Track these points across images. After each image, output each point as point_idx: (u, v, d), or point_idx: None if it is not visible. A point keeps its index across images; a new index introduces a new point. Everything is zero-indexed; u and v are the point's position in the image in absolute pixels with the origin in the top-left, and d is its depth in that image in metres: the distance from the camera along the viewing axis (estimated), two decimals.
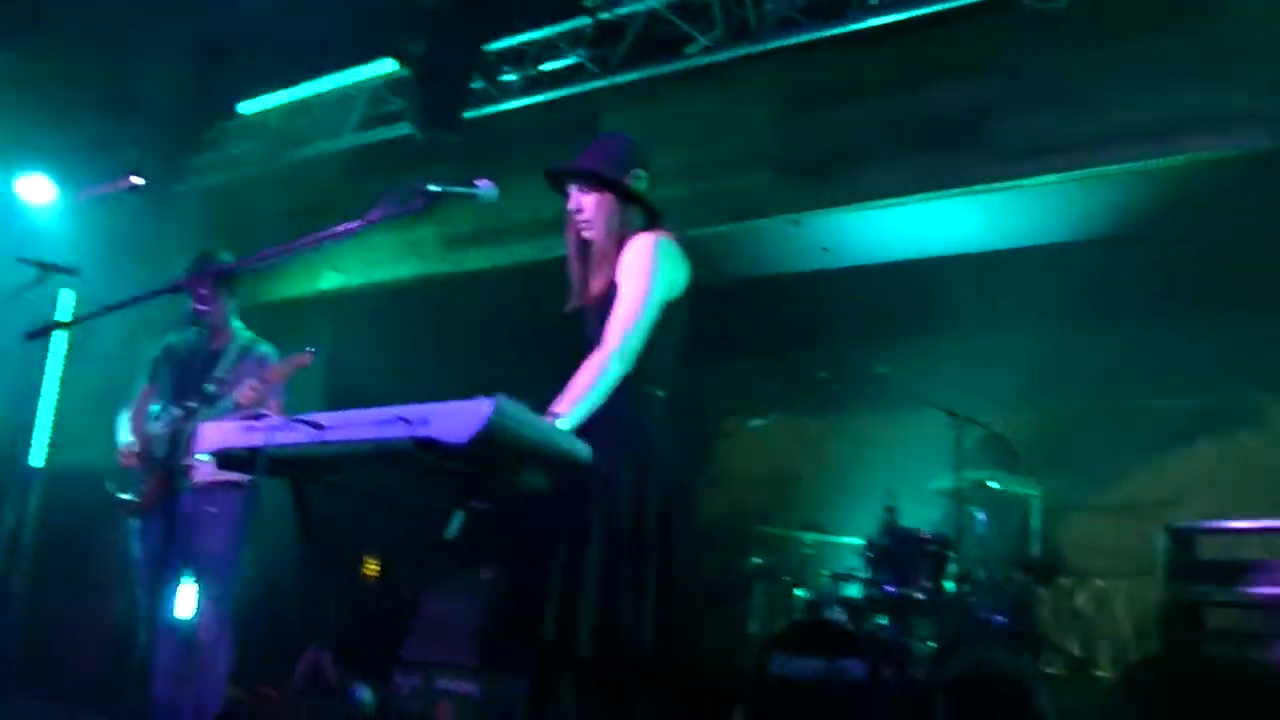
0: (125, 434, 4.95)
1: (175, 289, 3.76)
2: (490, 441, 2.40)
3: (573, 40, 6.58)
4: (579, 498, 2.91)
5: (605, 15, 6.35)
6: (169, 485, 4.64)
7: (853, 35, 5.81)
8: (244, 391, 4.54)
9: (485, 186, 3.12)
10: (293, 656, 6.80)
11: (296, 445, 2.68)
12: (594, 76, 6.55)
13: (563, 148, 3.51)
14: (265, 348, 5.04)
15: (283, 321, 6.70)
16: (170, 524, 4.28)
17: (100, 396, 5.85)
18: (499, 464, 2.57)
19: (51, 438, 7.75)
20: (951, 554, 5.64)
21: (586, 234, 3.22)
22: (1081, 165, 5.68)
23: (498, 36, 6.74)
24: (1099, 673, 6.04)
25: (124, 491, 4.84)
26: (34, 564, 7.35)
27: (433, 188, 3.05)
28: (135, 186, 7.66)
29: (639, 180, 3.24)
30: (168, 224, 7.98)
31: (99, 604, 6.56)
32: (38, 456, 7.74)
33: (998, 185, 5.90)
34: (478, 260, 7.68)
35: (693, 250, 3.21)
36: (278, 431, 2.72)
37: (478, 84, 6.81)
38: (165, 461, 4.69)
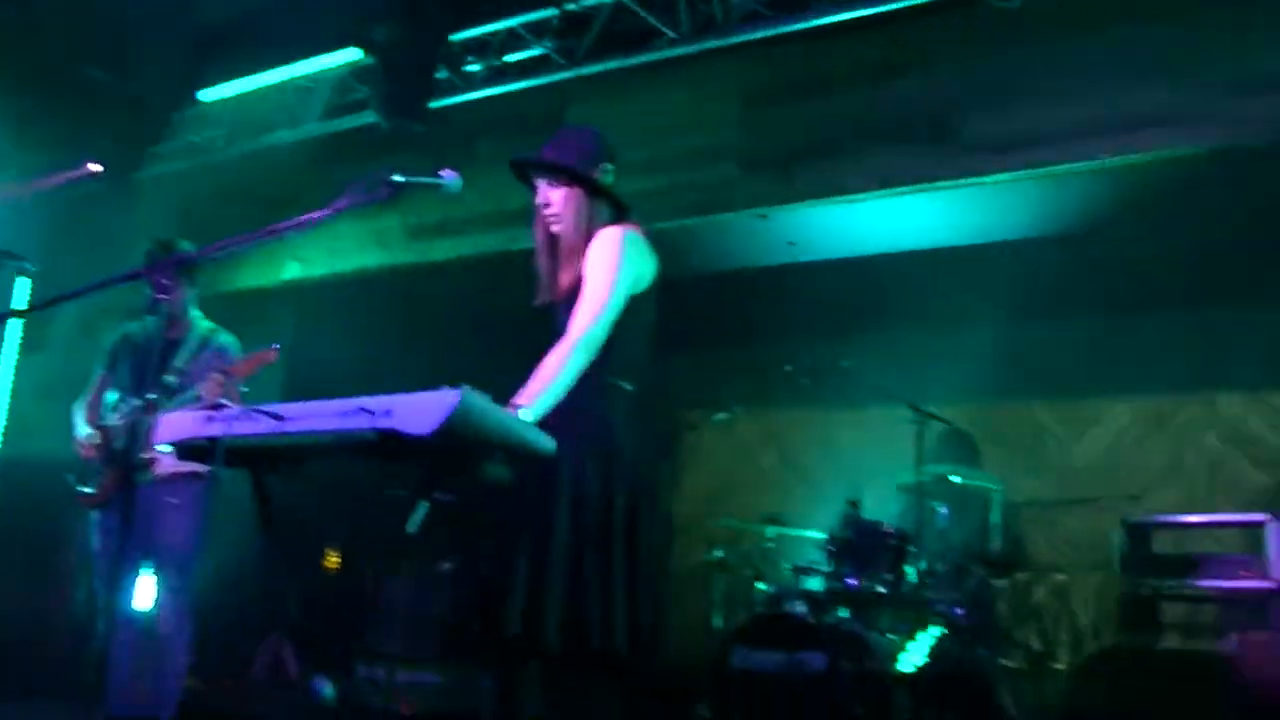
0: (82, 424, 4.89)
1: (134, 277, 3.71)
2: (454, 433, 2.38)
3: (538, 31, 6.55)
4: (545, 490, 2.90)
5: (571, 7, 6.33)
6: (128, 477, 4.59)
7: (819, 30, 5.82)
8: (208, 386, 4.49)
9: (450, 177, 3.10)
10: (253, 648, 6.77)
11: (256, 436, 2.66)
12: (560, 68, 6.53)
13: (528, 139, 3.50)
14: (225, 337, 5.00)
15: (244, 311, 6.65)
16: (129, 516, 4.24)
17: (57, 385, 5.78)
18: (462, 456, 2.56)
19: (6, 426, 7.64)
20: (912, 548, 5.68)
21: (554, 228, 3.21)
22: (1044, 163, 5.73)
23: (463, 26, 6.70)
24: (1057, 665, 6.11)
25: (83, 483, 4.79)
26: None
27: (397, 178, 3.02)
28: (94, 174, 7.56)
29: (607, 174, 3.24)
30: (127, 212, 7.89)
31: (57, 596, 6.49)
32: None
33: (961, 182, 5.93)
34: (442, 251, 7.64)
35: (659, 243, 3.21)
36: (237, 422, 2.70)
37: (443, 74, 6.78)
38: (124, 453, 4.63)
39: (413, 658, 6.35)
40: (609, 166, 3.25)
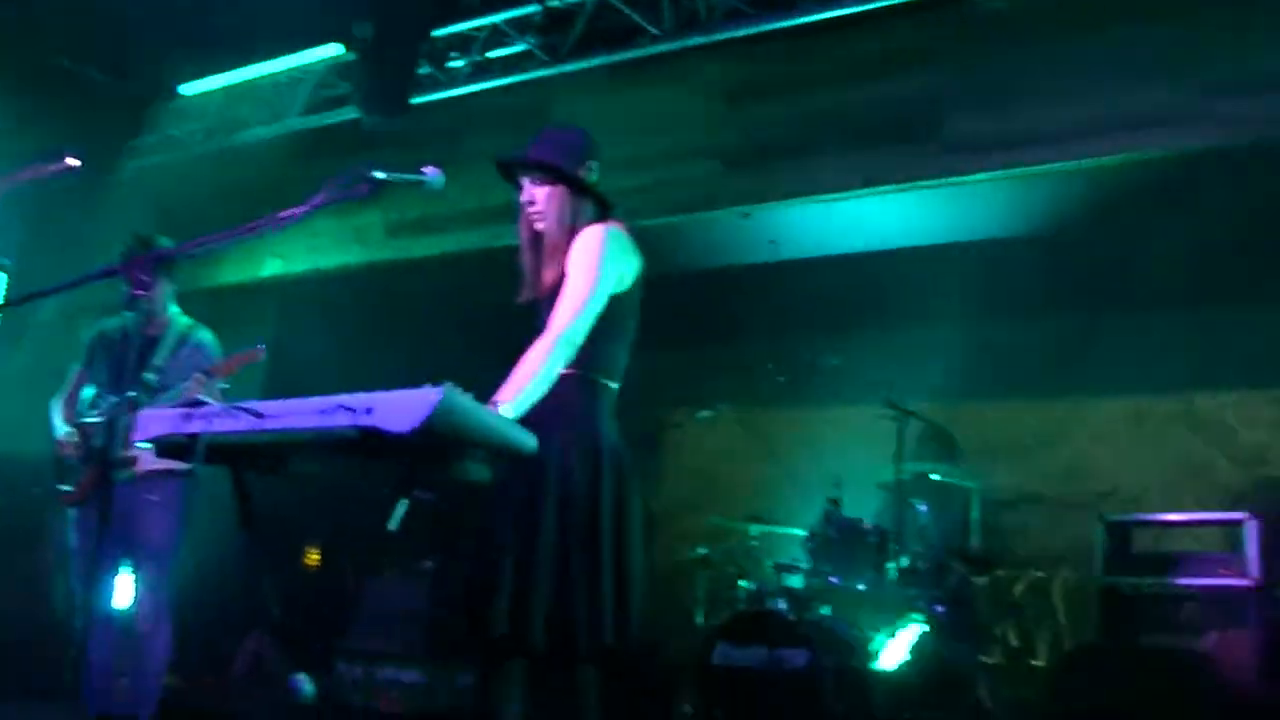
0: (60, 421, 4.86)
1: (111, 273, 3.68)
2: (435, 431, 2.37)
3: (522, 28, 6.54)
4: (532, 489, 2.90)
5: (555, 3, 6.32)
6: (106, 475, 4.56)
7: (802, 28, 5.83)
8: (192, 386, 4.47)
9: (432, 174, 3.08)
10: (234, 646, 6.74)
11: (236, 433, 2.64)
12: (543, 65, 6.52)
13: (511, 136, 3.49)
14: (203, 334, 4.97)
15: (223, 308, 6.61)
16: (107, 514, 4.21)
17: (34, 381, 5.73)
18: (444, 454, 2.55)
19: None
20: (893, 545, 5.70)
21: (539, 226, 3.21)
22: (1024, 163, 5.76)
23: (446, 22, 6.68)
24: (1036, 662, 6.14)
25: (62, 481, 4.75)
26: None
27: (378, 174, 3.01)
28: (71, 168, 7.51)
29: (591, 173, 3.24)
30: (105, 207, 7.84)
31: (35, 595, 6.44)
32: None
33: (942, 181, 5.95)
34: (423, 248, 7.62)
35: (642, 241, 3.21)
36: (217, 419, 2.68)
37: (425, 70, 6.75)
38: (102, 451, 4.60)
39: (394, 656, 6.33)
40: (594, 165, 3.25)
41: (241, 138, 7.64)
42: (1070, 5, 5.68)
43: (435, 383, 2.40)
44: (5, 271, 6.37)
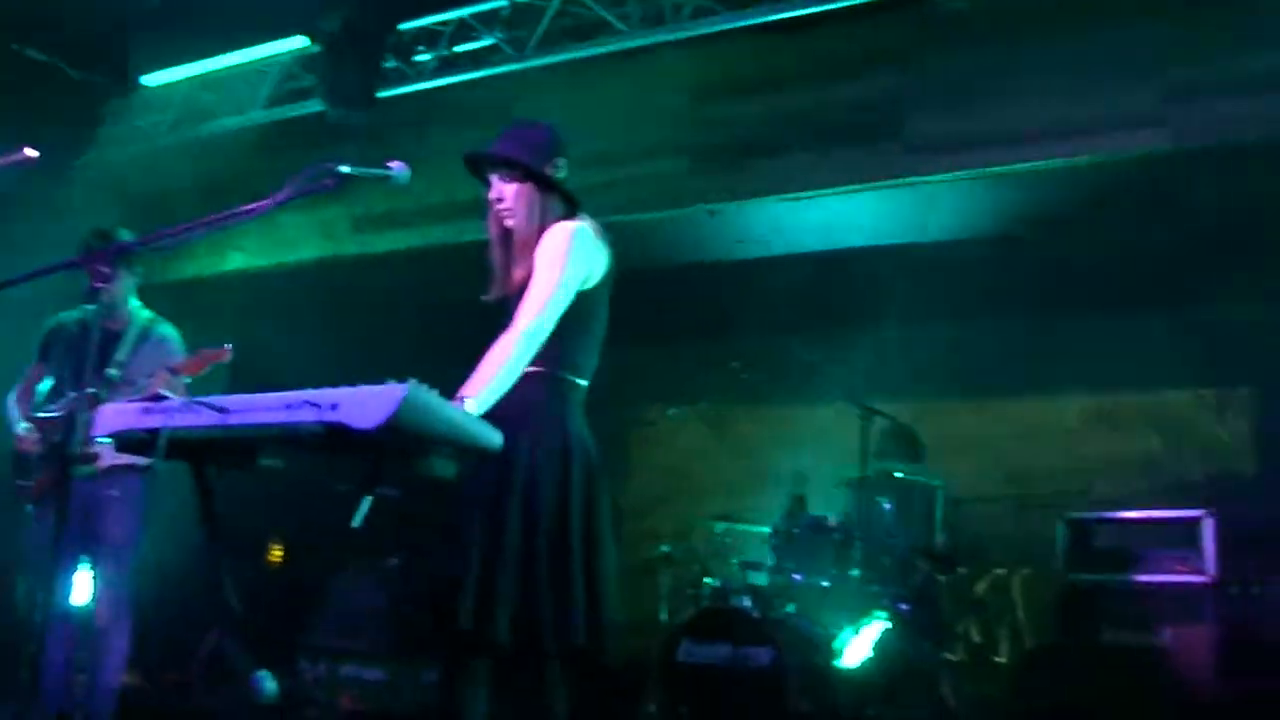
0: (17, 417, 4.79)
1: (71, 266, 3.63)
2: (400, 428, 2.36)
3: (488, 22, 6.51)
4: (499, 487, 2.89)
5: None
6: (65, 470, 4.50)
7: (770, 25, 5.84)
8: (155, 383, 4.41)
9: (398, 168, 3.06)
10: (194, 643, 6.67)
11: (199, 429, 2.62)
12: (509, 60, 6.49)
13: (477, 130, 3.47)
14: (165, 329, 4.91)
15: (186, 302, 6.54)
16: (66, 510, 4.15)
17: None
18: (409, 450, 2.53)
19: None
20: (857, 542, 5.72)
21: (508, 222, 3.20)
22: (987, 163, 5.80)
23: (412, 16, 6.64)
24: (998, 659, 6.19)
25: (20, 477, 4.69)
26: None
27: (344, 169, 2.98)
28: (30, 159, 7.39)
29: (560, 169, 3.23)
30: (66, 199, 7.74)
31: None
32: None
33: (907, 181, 5.99)
34: (389, 242, 7.58)
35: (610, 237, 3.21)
36: (179, 414, 2.65)
37: (391, 63, 6.71)
38: (62, 446, 4.54)
39: (357, 653, 6.29)
40: (562, 162, 3.24)
41: (205, 130, 7.56)
42: (1032, 7, 5.72)
43: (400, 379, 2.38)
44: None
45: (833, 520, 5.82)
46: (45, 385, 4.80)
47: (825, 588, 5.58)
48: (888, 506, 6.06)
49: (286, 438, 2.48)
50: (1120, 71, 5.53)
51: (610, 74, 6.51)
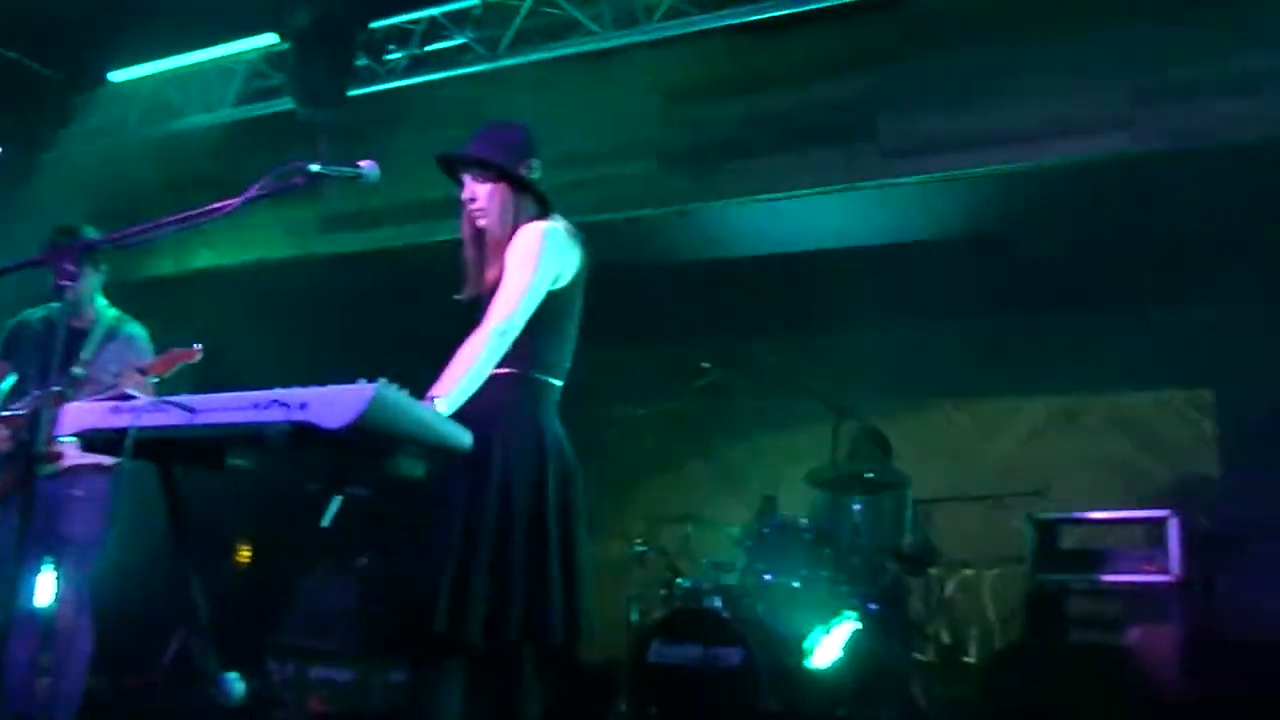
0: None
1: (36, 263, 3.59)
2: (369, 427, 2.35)
3: (460, 21, 6.49)
4: (472, 488, 2.88)
5: None
6: (29, 469, 4.44)
7: (743, 27, 5.85)
8: (123, 382, 4.37)
9: (368, 167, 3.05)
10: (161, 644, 6.62)
11: (166, 428, 2.59)
12: (481, 59, 6.48)
13: (448, 129, 3.47)
14: (133, 327, 4.86)
15: (153, 300, 6.48)
16: (29, 510, 4.11)
17: None
18: (378, 450, 2.52)
19: None
20: (827, 543, 5.74)
21: (481, 223, 3.20)
22: (958, 165, 5.84)
23: (383, 14, 6.61)
24: (967, 659, 6.23)
25: None
26: None
27: (314, 168, 2.96)
28: None
29: (534, 170, 3.23)
30: (31, 195, 7.65)
31: None
32: None
33: (877, 182, 6.01)
34: (358, 242, 7.54)
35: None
36: (146, 413, 2.63)
37: (362, 61, 6.68)
38: (25, 445, 4.49)
39: (326, 654, 6.26)
40: (535, 163, 3.25)
41: (173, 127, 7.50)
42: (1008, 11, 5.76)
43: (369, 378, 2.37)
44: None
45: (803, 521, 5.84)
46: (7, 384, 4.74)
47: (795, 588, 5.59)
48: (857, 507, 6.08)
49: (255, 437, 2.46)
50: (1092, 75, 5.59)
51: (582, 74, 6.51)
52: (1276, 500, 5.94)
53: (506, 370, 2.98)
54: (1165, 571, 5.28)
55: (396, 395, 2.42)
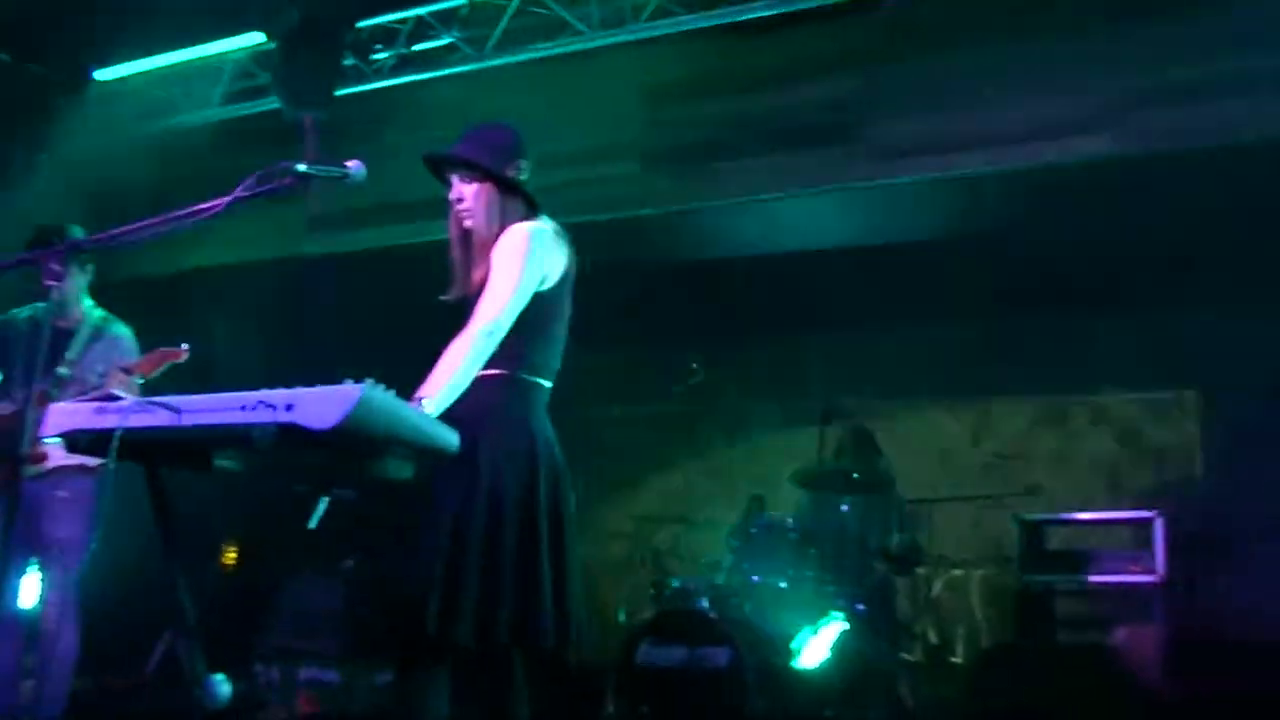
0: None
1: (22, 263, 3.57)
2: (356, 429, 2.34)
3: (446, 21, 6.48)
4: (462, 491, 2.87)
5: None
6: (15, 470, 4.42)
7: (731, 27, 5.85)
8: (109, 382, 4.35)
9: (355, 167, 3.04)
10: (146, 645, 6.59)
11: (152, 429, 2.58)
12: (468, 59, 6.47)
13: (435, 129, 3.46)
14: (119, 327, 4.84)
15: (140, 301, 6.45)
16: (13, 510, 4.09)
17: None
18: (365, 451, 2.51)
19: None
20: (815, 543, 5.74)
21: (468, 223, 3.19)
22: (945, 167, 5.85)
23: (370, 13, 6.60)
24: (954, 659, 6.24)
25: None
26: None
27: (301, 168, 2.95)
28: None
29: (521, 171, 3.23)
30: (17, 195, 7.61)
31: None
32: None
33: (863, 184, 6.03)
34: (345, 242, 7.52)
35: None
36: (132, 414, 2.61)
37: (349, 61, 6.67)
38: (10, 446, 4.46)
39: (312, 655, 6.25)
40: (524, 164, 3.24)
41: (159, 126, 7.47)
42: (992, 13, 5.77)
43: (356, 379, 2.37)
44: None
45: (791, 521, 5.84)
46: None
47: (783, 588, 5.59)
48: (845, 507, 6.10)
49: (241, 438, 2.45)
50: (1075, 78, 5.61)
51: (570, 75, 6.50)
52: (1261, 501, 5.96)
53: (495, 372, 2.97)
54: (1151, 572, 5.30)
55: (384, 396, 2.42)
